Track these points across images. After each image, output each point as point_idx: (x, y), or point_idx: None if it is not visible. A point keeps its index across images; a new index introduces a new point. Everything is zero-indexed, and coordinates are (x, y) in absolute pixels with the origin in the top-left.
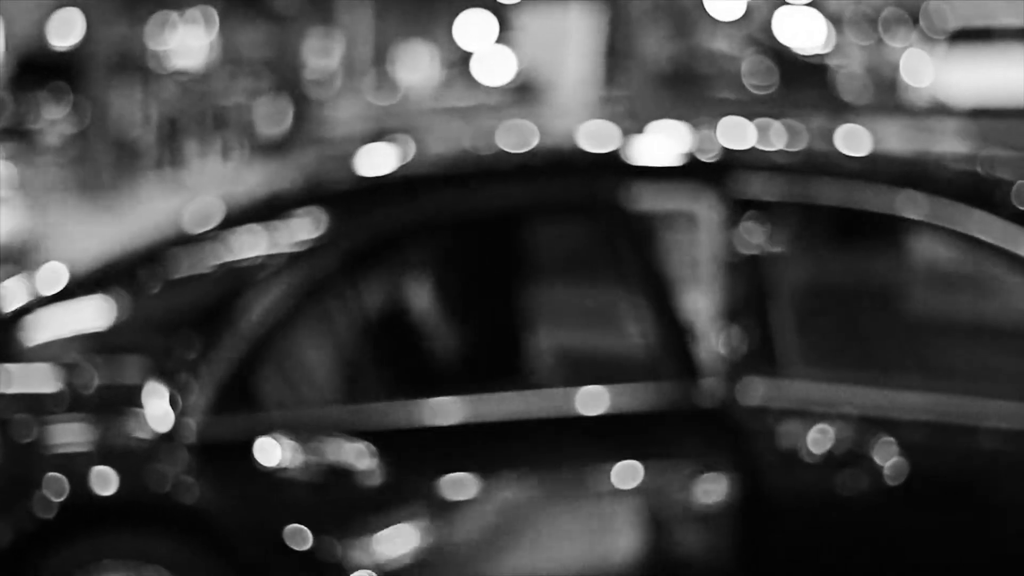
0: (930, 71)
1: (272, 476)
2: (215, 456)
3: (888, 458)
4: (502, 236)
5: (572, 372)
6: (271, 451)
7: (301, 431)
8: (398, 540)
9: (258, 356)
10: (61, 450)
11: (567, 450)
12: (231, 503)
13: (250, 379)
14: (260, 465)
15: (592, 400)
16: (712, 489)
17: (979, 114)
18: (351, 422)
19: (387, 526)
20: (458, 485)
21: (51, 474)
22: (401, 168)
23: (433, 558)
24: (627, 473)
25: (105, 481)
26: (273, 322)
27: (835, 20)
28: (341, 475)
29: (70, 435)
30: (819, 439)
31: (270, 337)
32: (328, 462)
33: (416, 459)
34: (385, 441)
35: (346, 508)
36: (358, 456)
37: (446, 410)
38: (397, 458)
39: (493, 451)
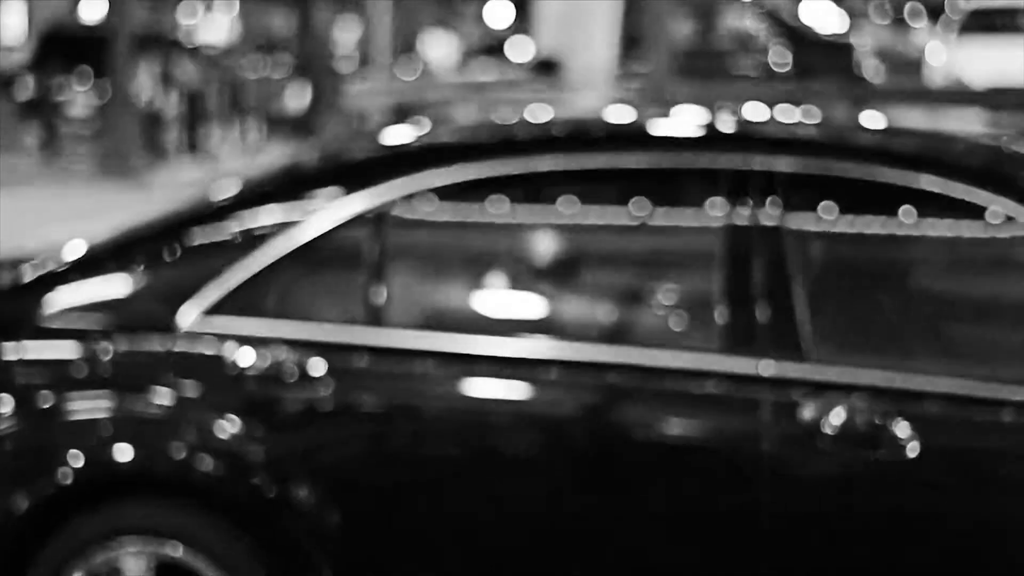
0: (948, 52)
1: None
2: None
3: (909, 435)
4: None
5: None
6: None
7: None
8: None
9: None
10: (79, 420)
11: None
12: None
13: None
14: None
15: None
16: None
17: (997, 95)
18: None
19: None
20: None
21: (68, 444)
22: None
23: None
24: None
25: (123, 452)
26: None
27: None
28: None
29: (88, 405)
30: (840, 416)
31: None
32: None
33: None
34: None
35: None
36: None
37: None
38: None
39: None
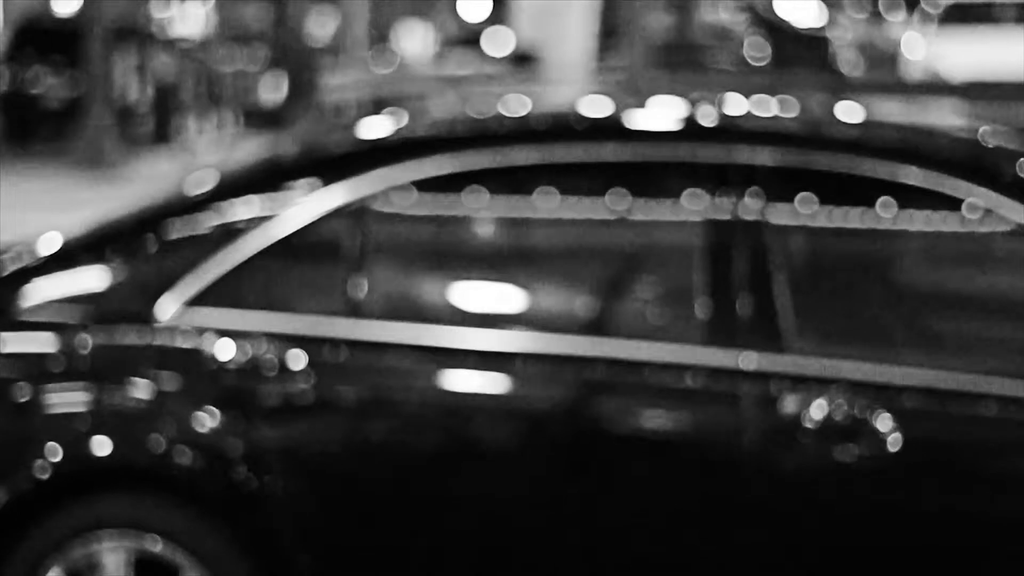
0: (927, 45)
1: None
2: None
3: (889, 428)
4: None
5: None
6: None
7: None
8: None
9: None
10: (57, 413)
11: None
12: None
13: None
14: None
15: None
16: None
17: (975, 88)
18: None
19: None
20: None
21: (46, 437)
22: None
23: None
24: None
25: (101, 445)
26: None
27: None
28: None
29: (66, 398)
30: (820, 410)
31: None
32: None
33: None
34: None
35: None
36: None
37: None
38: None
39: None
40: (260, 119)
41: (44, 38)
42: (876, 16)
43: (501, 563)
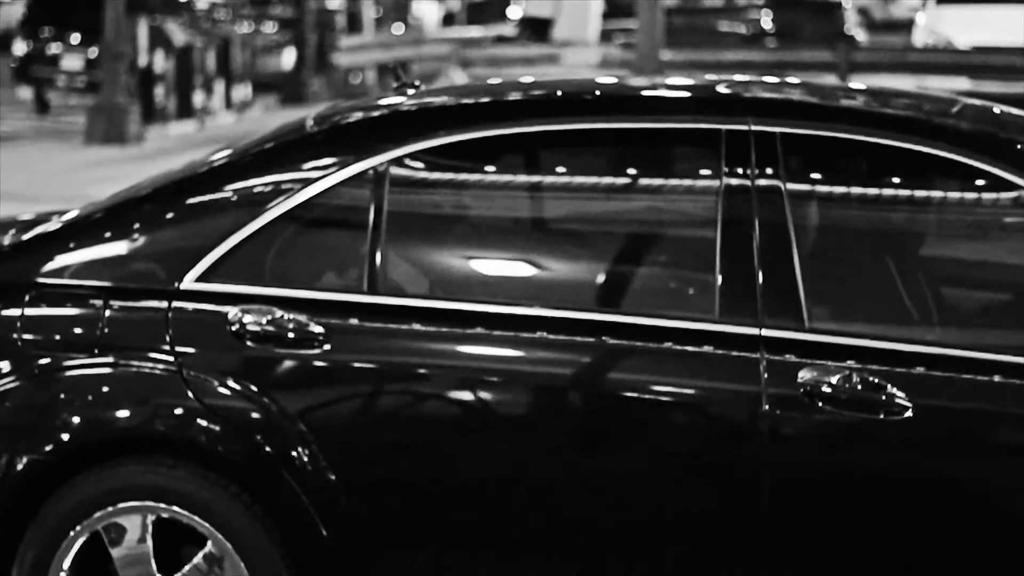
0: (929, 18)
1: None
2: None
3: (907, 401)
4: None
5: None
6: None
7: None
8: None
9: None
10: (77, 381)
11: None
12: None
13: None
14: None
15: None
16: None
17: (979, 53)
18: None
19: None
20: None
21: (66, 404)
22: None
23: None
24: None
25: (121, 413)
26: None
27: None
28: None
29: (85, 366)
30: (838, 382)
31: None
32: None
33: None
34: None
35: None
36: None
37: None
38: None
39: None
40: (272, 85)
41: (62, 4)
42: None
43: (522, 527)
